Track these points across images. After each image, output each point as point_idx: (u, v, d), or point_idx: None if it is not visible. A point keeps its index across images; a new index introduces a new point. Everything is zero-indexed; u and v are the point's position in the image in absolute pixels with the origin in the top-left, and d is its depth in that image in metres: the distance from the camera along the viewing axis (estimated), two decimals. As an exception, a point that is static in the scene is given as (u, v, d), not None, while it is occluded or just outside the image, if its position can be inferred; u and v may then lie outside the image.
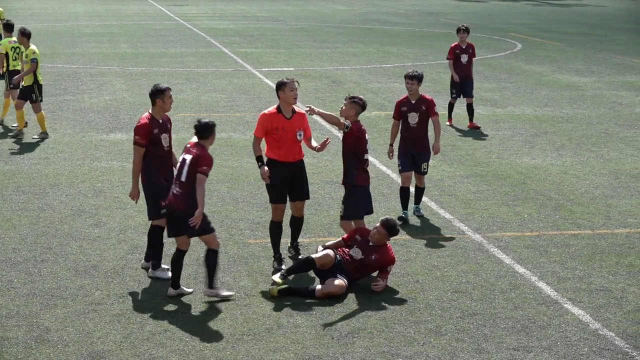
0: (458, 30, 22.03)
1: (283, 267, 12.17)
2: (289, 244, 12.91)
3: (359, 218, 12.50)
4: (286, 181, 12.31)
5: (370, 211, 12.71)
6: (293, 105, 12.34)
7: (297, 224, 12.69)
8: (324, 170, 17.77)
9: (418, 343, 10.09)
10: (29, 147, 19.36)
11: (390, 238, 11.83)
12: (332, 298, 11.25)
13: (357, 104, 12.43)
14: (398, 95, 26.38)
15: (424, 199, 15.67)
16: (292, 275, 11.70)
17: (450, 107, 22.20)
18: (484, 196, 16.02)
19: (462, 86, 21.83)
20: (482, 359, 9.73)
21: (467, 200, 15.69)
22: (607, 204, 15.62)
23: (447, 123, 22.11)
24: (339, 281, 11.40)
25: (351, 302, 11.24)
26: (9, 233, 13.69)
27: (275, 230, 12.45)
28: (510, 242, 13.59)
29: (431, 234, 13.89)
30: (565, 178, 17.35)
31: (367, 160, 12.58)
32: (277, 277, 11.48)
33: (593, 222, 14.60)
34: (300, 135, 12.29)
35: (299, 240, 12.88)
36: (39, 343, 9.96)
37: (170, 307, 10.97)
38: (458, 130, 21.68)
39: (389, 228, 11.71)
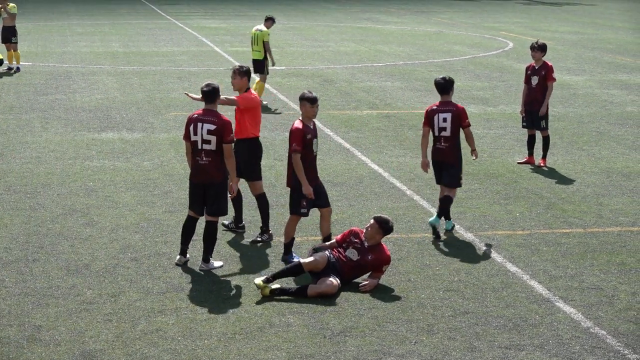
0: (531, 48, 18.36)
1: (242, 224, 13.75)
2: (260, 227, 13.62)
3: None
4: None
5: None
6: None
7: (259, 204, 13.56)
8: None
9: (410, 342, 10.09)
10: (21, 147, 19.32)
11: (384, 236, 11.85)
12: (324, 297, 11.25)
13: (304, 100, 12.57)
14: (390, 94, 26.44)
15: (415, 197, 15.68)
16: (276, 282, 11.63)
17: (528, 139, 18.50)
18: (476, 195, 16.04)
19: (530, 114, 18.27)
20: (474, 358, 9.74)
21: (459, 199, 15.68)
22: (599, 203, 15.65)
23: (541, 163, 18.34)
24: (332, 281, 11.40)
25: (343, 301, 11.24)
26: (0, 232, 13.66)
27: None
28: (502, 240, 13.61)
29: (423, 233, 13.90)
30: (557, 176, 17.38)
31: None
32: (258, 280, 11.31)
33: (585, 221, 14.62)
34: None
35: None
36: (31, 342, 9.94)
37: (162, 306, 10.96)
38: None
39: (381, 223, 11.75)
